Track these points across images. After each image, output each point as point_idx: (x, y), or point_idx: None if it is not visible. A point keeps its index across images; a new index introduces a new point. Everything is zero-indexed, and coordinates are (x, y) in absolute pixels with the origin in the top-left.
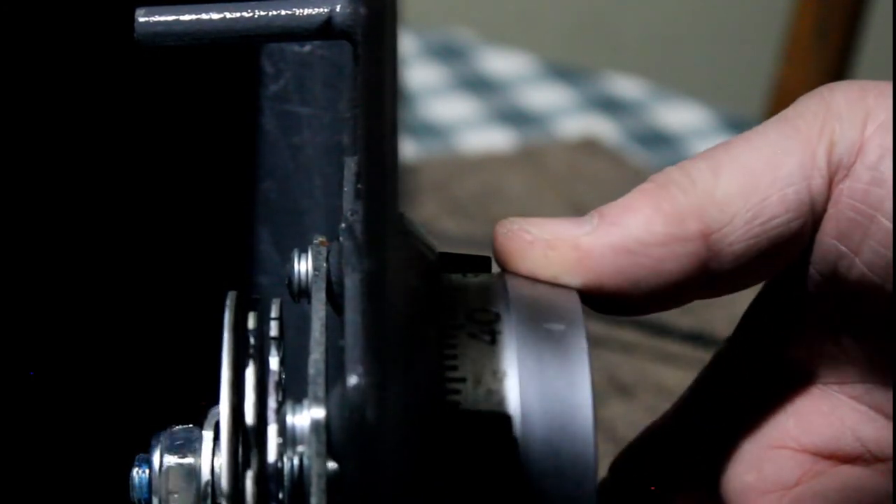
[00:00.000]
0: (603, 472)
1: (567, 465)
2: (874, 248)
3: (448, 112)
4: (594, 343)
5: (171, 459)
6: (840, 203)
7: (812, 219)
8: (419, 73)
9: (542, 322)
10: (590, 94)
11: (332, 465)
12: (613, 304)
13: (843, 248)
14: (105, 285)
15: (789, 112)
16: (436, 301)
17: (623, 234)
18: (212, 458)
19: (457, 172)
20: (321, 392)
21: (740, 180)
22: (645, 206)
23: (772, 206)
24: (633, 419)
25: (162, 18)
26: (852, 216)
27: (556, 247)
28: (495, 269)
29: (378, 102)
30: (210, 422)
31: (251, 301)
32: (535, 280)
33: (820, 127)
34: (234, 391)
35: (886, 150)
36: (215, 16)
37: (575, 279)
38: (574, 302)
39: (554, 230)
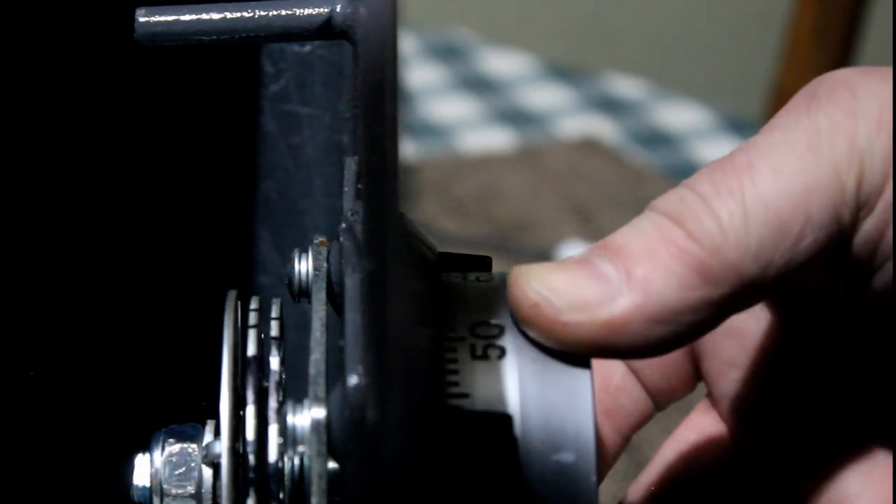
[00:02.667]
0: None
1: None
2: (884, 279)
3: (448, 112)
4: None
5: (171, 455)
6: (859, 239)
7: (837, 249)
8: (419, 73)
9: (550, 448)
10: (590, 94)
11: (332, 465)
12: (628, 357)
13: (854, 273)
14: (105, 285)
15: (812, 122)
16: (436, 302)
17: (657, 306)
18: (213, 451)
19: (457, 172)
20: (322, 392)
21: (772, 225)
22: (677, 264)
23: (805, 249)
24: None
25: (162, 18)
26: (868, 252)
27: (588, 327)
28: (496, 268)
29: (378, 102)
30: (210, 423)
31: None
32: (545, 356)
33: (848, 153)
34: (234, 391)
35: None
36: (215, 16)
37: (603, 351)
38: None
39: (581, 300)
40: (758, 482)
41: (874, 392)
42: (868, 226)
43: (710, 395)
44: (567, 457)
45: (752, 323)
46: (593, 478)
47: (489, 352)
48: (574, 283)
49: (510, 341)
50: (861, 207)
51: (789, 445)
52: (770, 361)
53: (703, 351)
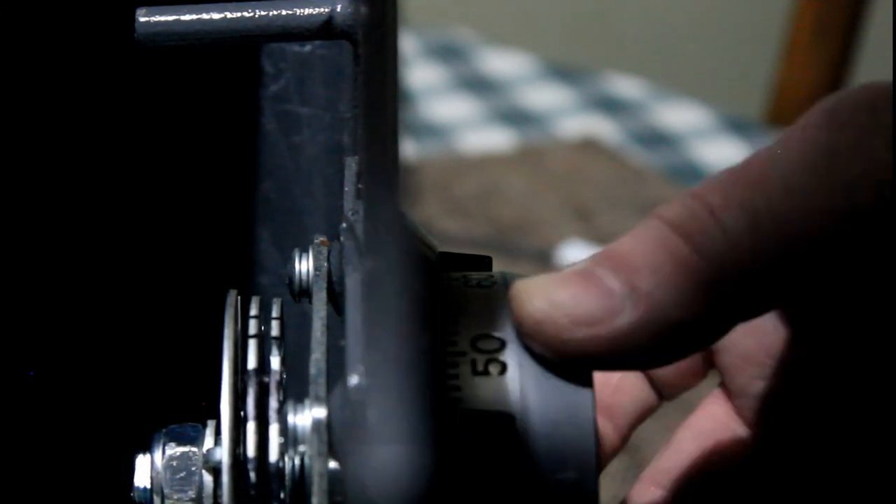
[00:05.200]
0: (604, 474)
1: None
2: None
3: (448, 112)
4: None
5: (172, 459)
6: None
7: (850, 266)
8: (419, 73)
9: (551, 466)
10: (590, 94)
11: (333, 464)
12: (631, 369)
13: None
14: (105, 285)
15: (830, 142)
16: (437, 302)
17: (662, 322)
18: (213, 458)
19: (457, 172)
20: (322, 391)
21: (783, 243)
22: (682, 280)
23: (816, 267)
24: None
25: (162, 18)
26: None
27: (592, 342)
28: (496, 268)
29: (379, 102)
30: (211, 423)
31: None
32: (547, 372)
33: (864, 177)
34: (235, 391)
35: None
36: (216, 16)
37: (606, 365)
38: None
39: (586, 316)
40: (774, 480)
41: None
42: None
43: (725, 387)
44: (568, 475)
45: (768, 319)
46: (595, 496)
47: (490, 367)
48: (578, 299)
49: (511, 356)
50: (876, 229)
51: (808, 447)
52: (787, 360)
53: (718, 345)
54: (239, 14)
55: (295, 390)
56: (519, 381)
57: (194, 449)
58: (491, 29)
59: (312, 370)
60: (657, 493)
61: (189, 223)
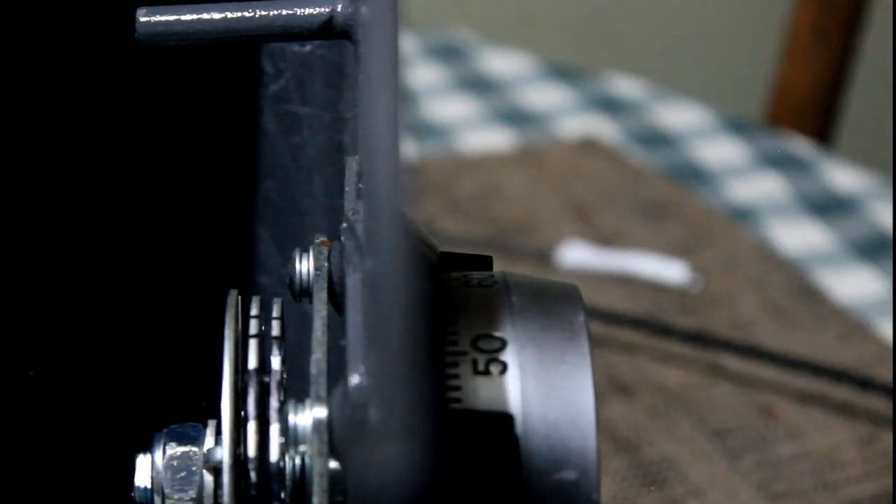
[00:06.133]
0: (604, 474)
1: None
2: None
3: (448, 112)
4: (594, 343)
5: (173, 458)
6: None
7: None
8: (419, 73)
9: (552, 466)
10: (590, 94)
11: (333, 464)
12: None
13: None
14: (105, 285)
15: None
16: (438, 302)
17: None
18: (214, 458)
19: (457, 172)
20: (323, 391)
21: None
22: None
23: None
24: (633, 419)
25: (163, 18)
26: None
27: None
28: (496, 268)
29: (380, 101)
30: (211, 423)
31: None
32: (548, 372)
33: None
34: (236, 391)
35: None
36: (216, 16)
37: None
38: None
39: None
40: None
41: None
42: None
43: None
44: (569, 475)
45: None
46: (595, 496)
47: (491, 367)
48: None
49: (512, 356)
50: None
51: None
52: None
53: None
54: (239, 14)
55: (295, 390)
56: (520, 380)
57: (195, 449)
58: (491, 29)
59: (313, 370)
60: None
61: (189, 223)
